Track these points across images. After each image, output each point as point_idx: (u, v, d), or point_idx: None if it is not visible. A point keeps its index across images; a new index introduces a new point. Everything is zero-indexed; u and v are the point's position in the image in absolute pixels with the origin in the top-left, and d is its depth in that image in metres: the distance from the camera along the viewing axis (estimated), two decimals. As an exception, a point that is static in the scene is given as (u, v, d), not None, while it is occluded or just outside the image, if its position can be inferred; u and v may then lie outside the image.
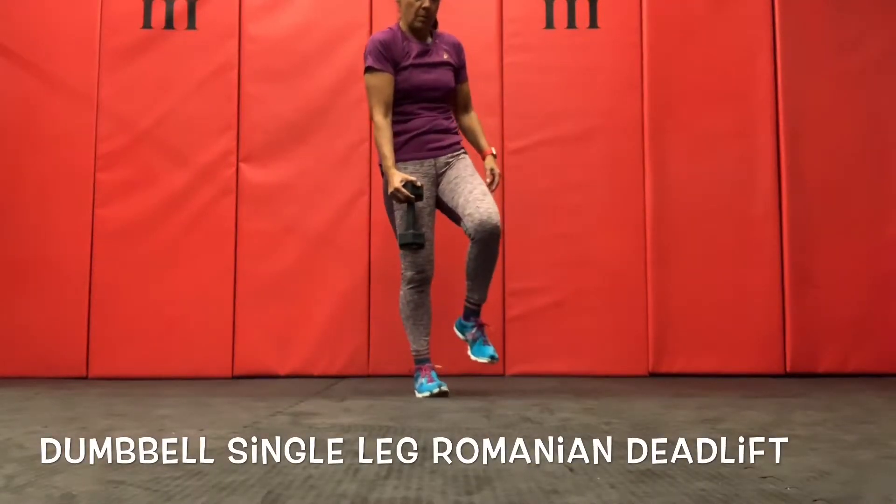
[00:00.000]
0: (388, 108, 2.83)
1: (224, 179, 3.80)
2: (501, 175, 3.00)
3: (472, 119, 3.04)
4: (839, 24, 3.88)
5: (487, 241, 2.70)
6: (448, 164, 2.87)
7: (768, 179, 3.81)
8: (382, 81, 2.81)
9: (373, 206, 3.76)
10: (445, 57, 2.91)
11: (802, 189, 3.80)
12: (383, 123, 2.80)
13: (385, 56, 2.82)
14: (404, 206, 2.74)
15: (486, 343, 2.89)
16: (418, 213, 2.76)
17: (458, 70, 2.96)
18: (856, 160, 3.82)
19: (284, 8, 3.91)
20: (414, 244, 2.72)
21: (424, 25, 2.86)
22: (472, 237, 2.71)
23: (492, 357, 2.86)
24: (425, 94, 2.87)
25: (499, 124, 3.80)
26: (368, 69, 2.83)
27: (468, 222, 2.70)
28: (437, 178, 2.87)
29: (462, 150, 2.92)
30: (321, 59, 3.88)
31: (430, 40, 2.91)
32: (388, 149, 2.77)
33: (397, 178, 2.71)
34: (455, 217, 2.82)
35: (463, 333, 2.94)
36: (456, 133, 2.96)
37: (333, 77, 3.86)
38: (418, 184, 2.72)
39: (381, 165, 2.91)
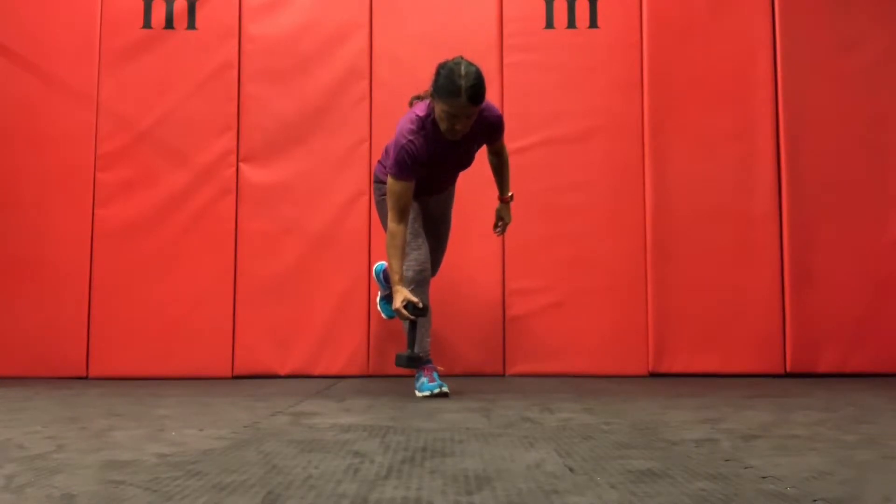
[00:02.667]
0: (405, 214, 2.72)
1: (224, 179, 3.80)
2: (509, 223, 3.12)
3: (502, 163, 3.00)
4: (839, 24, 3.88)
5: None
6: (437, 197, 3.03)
7: (768, 179, 3.81)
8: (404, 189, 2.69)
9: (373, 207, 3.75)
10: (475, 147, 2.86)
11: (802, 189, 3.80)
12: (397, 230, 2.70)
13: (411, 167, 2.68)
14: (407, 322, 2.75)
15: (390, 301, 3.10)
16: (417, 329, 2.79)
17: (490, 140, 2.89)
18: (856, 160, 3.82)
19: (284, 8, 3.91)
20: (411, 367, 2.80)
21: (456, 137, 2.70)
22: None
23: (390, 316, 3.29)
24: (446, 174, 2.93)
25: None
26: (393, 175, 2.70)
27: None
28: (429, 199, 2.99)
29: (454, 184, 3.06)
30: (321, 59, 3.88)
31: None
32: (397, 262, 2.69)
33: (399, 299, 2.68)
34: None
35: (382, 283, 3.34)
36: (457, 174, 3.02)
37: (333, 77, 3.86)
38: (420, 305, 2.70)
39: (375, 182, 3.04)
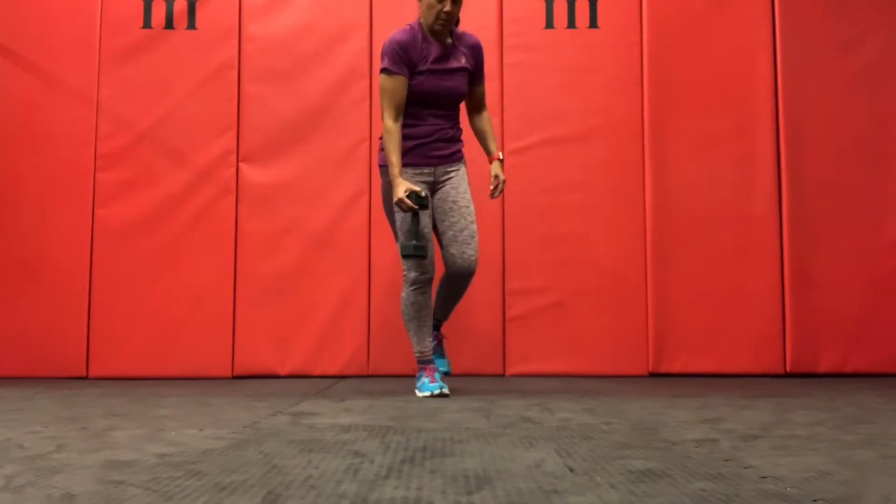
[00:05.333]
0: (399, 111, 2.79)
1: (224, 179, 3.81)
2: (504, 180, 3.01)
3: (484, 121, 3.03)
4: (839, 24, 3.88)
5: (463, 281, 2.89)
6: (447, 175, 2.88)
7: (768, 179, 3.81)
8: (397, 85, 2.77)
9: (373, 207, 3.76)
10: (463, 62, 2.88)
11: (802, 189, 3.80)
12: (393, 128, 2.76)
13: (402, 59, 2.77)
14: (408, 215, 2.74)
15: (442, 355, 3.06)
16: (420, 221, 2.75)
17: (475, 73, 2.94)
18: (856, 160, 3.82)
19: (284, 8, 3.91)
20: (416, 256, 2.73)
21: (444, 28, 2.81)
22: (449, 272, 2.87)
23: (445, 372, 3.01)
24: (438, 100, 2.86)
25: (499, 124, 3.79)
26: (384, 70, 2.79)
27: (450, 260, 2.84)
28: (435, 185, 2.89)
29: (462, 160, 2.94)
30: (321, 59, 3.88)
31: (449, 41, 2.87)
32: (395, 156, 2.73)
33: (402, 189, 2.69)
34: (438, 238, 2.90)
35: None
36: (460, 141, 2.95)
37: (333, 77, 3.86)
38: (423, 194, 2.70)
39: (380, 166, 2.92)
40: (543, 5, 3.92)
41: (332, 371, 3.73)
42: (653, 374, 3.73)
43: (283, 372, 3.72)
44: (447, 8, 2.76)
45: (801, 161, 3.81)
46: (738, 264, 3.77)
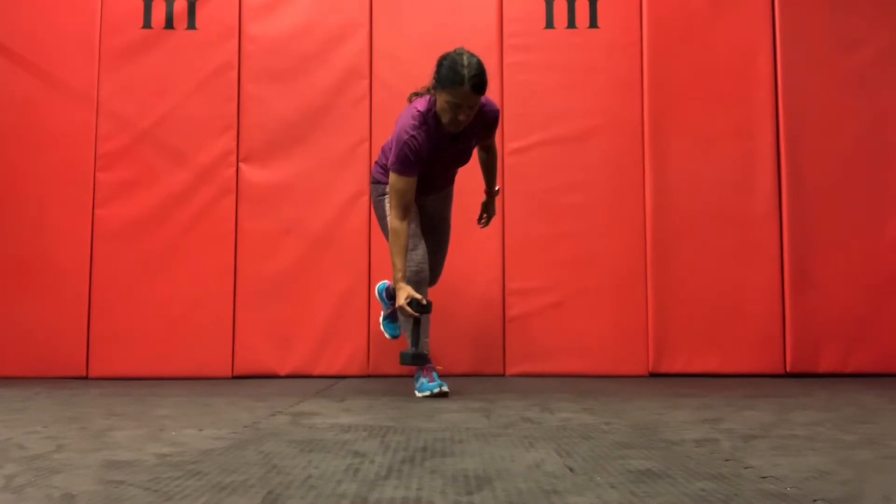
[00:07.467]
0: (408, 211, 2.71)
1: (224, 179, 3.81)
2: (493, 215, 3.15)
3: (491, 157, 3.03)
4: (839, 24, 3.88)
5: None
6: (435, 196, 3.01)
7: (768, 179, 3.81)
8: (407, 186, 2.69)
9: (373, 206, 3.76)
10: (473, 143, 2.85)
11: (802, 189, 3.80)
12: (400, 228, 2.69)
13: (414, 162, 2.68)
14: (409, 320, 2.74)
15: (394, 321, 3.20)
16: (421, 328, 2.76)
17: (486, 137, 2.90)
18: (856, 160, 3.82)
19: (284, 8, 3.91)
20: (415, 364, 2.77)
21: (458, 130, 2.70)
22: None
23: (394, 336, 3.22)
24: (445, 170, 2.91)
25: (499, 124, 3.78)
26: (394, 171, 2.70)
27: None
28: (424, 200, 2.97)
29: (452, 184, 3.06)
30: (321, 59, 3.88)
31: None
32: (400, 260, 2.69)
33: (403, 296, 2.67)
34: None
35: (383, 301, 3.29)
36: (455, 172, 3.02)
37: (333, 77, 3.86)
38: (423, 302, 2.70)
39: (373, 181, 3.00)
40: (543, 5, 3.92)
41: (332, 371, 3.73)
42: (653, 374, 3.73)
43: (283, 372, 3.72)
44: (461, 118, 2.64)
45: (801, 161, 3.81)
46: (738, 264, 3.77)
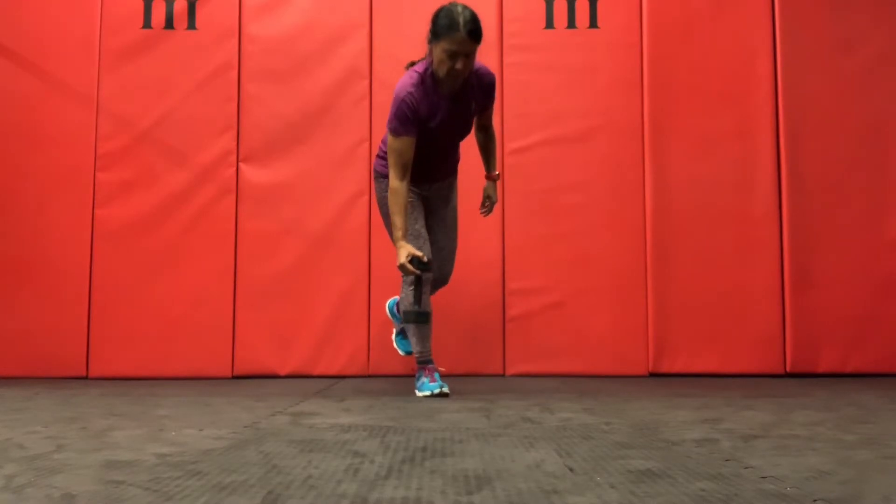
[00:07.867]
0: (406, 170, 2.72)
1: (224, 179, 3.81)
2: (496, 201, 3.10)
3: (489, 139, 3.03)
4: (839, 24, 3.88)
5: (435, 287, 3.05)
6: (440, 188, 2.98)
7: (768, 179, 3.81)
8: (405, 145, 2.70)
9: (373, 207, 3.76)
10: (473, 106, 2.84)
11: (802, 189, 3.80)
12: (399, 187, 2.70)
13: (411, 119, 2.69)
14: (410, 278, 2.74)
15: (405, 336, 3.18)
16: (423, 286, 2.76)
17: (485, 106, 2.89)
18: (856, 160, 3.82)
19: (284, 8, 3.91)
20: (417, 322, 2.78)
21: (456, 82, 2.72)
22: None
23: (407, 352, 3.16)
24: (446, 141, 2.87)
25: (499, 124, 3.78)
26: (392, 130, 2.72)
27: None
28: (428, 196, 2.96)
29: (455, 172, 3.03)
30: (321, 59, 3.88)
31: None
32: (400, 218, 2.70)
33: (404, 253, 2.68)
34: None
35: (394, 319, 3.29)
36: (457, 158, 3.01)
37: (333, 77, 3.86)
38: (425, 259, 2.70)
39: (376, 175, 2.98)
40: (543, 5, 3.92)
41: (332, 371, 3.73)
42: (653, 374, 3.73)
43: (283, 372, 3.72)
44: (458, 66, 2.66)
45: (801, 161, 3.81)
46: (738, 264, 3.77)
